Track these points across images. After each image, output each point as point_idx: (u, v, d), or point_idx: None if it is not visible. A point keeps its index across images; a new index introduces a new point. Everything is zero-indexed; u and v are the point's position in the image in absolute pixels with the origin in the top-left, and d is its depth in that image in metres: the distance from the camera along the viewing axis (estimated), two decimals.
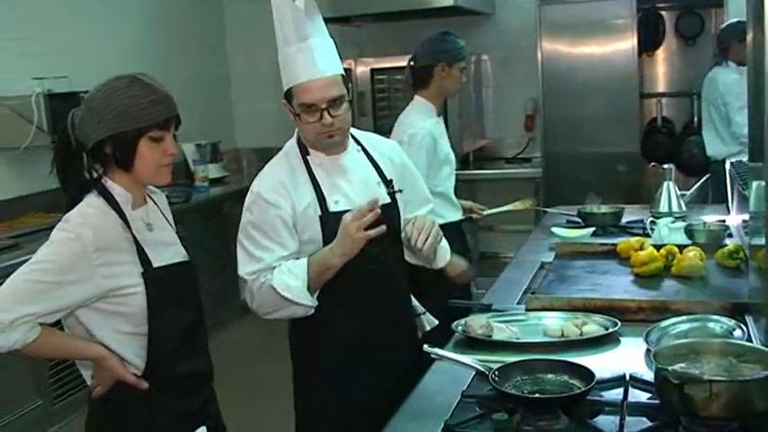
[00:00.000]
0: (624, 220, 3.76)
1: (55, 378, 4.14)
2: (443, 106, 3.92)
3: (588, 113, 5.64)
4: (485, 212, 3.94)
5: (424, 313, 2.68)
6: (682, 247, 2.94)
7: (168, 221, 2.29)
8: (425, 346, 2.13)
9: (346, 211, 2.35)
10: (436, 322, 2.68)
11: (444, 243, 2.63)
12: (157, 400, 2.11)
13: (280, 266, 2.35)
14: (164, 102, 2.05)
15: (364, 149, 2.55)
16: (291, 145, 2.51)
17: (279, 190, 2.40)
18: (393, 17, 6.27)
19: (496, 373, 1.95)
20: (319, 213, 2.39)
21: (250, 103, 6.83)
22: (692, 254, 2.84)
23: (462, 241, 3.68)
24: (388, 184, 2.52)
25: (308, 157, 2.44)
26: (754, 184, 2.12)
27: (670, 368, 1.75)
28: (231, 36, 7.06)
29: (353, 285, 2.38)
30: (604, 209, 3.78)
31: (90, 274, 1.98)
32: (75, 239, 1.98)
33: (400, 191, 2.52)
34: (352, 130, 2.55)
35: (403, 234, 2.51)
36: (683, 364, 1.84)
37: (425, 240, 2.41)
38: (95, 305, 2.04)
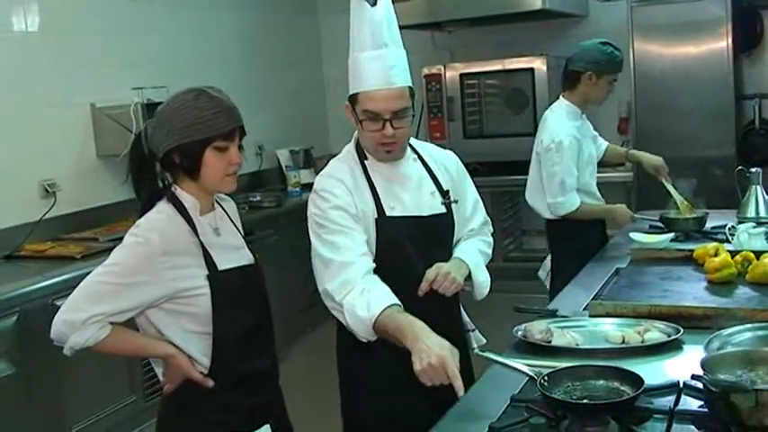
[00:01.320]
0: (710, 225, 3.68)
1: (149, 375, 4.32)
2: None
3: (682, 116, 5.51)
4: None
5: (474, 330, 2.64)
6: (760, 254, 2.87)
7: (236, 227, 2.38)
8: (476, 350, 2.16)
9: (402, 217, 2.40)
10: (484, 341, 2.63)
11: (483, 277, 2.55)
12: (222, 397, 2.21)
13: (364, 286, 2.26)
14: (228, 113, 2.15)
15: (421, 159, 2.56)
16: (350, 149, 2.53)
17: (341, 186, 2.41)
18: (484, 21, 6.28)
19: (546, 378, 1.97)
20: (375, 216, 2.40)
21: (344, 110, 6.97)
22: None
23: (603, 233, 3.95)
24: (443, 194, 2.53)
25: (366, 162, 2.46)
26: None
27: (717, 377, 1.74)
28: (326, 45, 7.19)
29: (405, 301, 2.24)
30: (688, 214, 3.71)
31: (157, 276, 2.10)
32: (143, 244, 2.10)
33: (455, 201, 2.54)
34: (411, 140, 2.58)
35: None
36: (736, 373, 1.82)
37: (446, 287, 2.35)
38: (164, 305, 2.15)
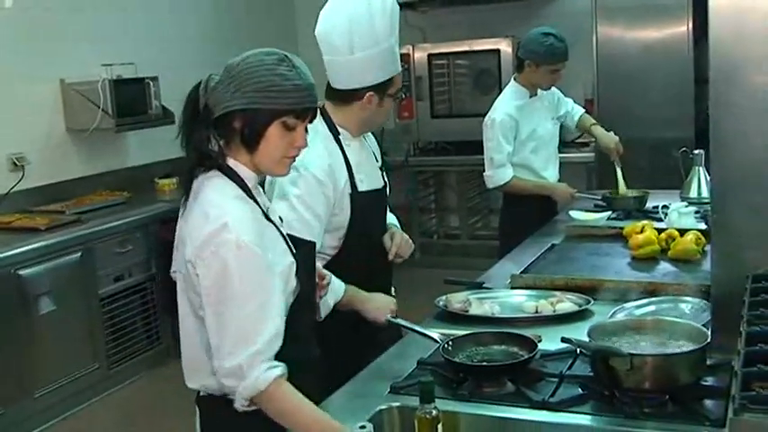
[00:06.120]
0: (655, 204, 3.79)
1: (112, 344, 4.46)
2: None
3: (643, 98, 5.62)
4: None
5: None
6: (684, 232, 2.99)
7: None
8: (388, 316, 2.29)
9: (369, 190, 2.53)
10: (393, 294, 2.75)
11: None
12: None
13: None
14: (308, 90, 1.90)
15: (364, 138, 2.65)
16: (317, 127, 2.43)
17: (328, 171, 2.45)
18: (456, 2, 6.40)
19: (450, 343, 2.10)
20: (349, 191, 2.49)
21: (320, 89, 7.04)
22: (690, 238, 2.89)
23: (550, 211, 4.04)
24: (381, 168, 2.68)
25: (340, 137, 2.53)
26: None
27: (598, 342, 1.87)
28: (301, 23, 7.27)
29: (374, 268, 2.55)
30: (630, 193, 3.84)
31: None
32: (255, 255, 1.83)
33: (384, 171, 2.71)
34: None
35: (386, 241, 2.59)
36: (620, 340, 1.95)
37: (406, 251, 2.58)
38: None
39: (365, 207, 2.53)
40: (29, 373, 4.00)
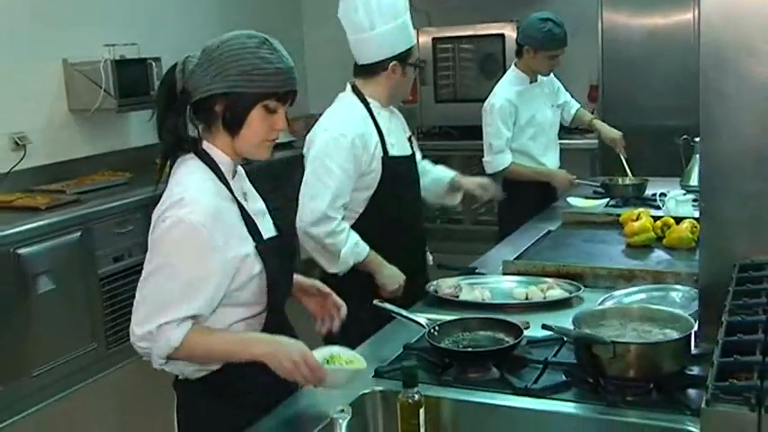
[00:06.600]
0: (655, 191, 3.77)
1: (111, 324, 4.47)
2: None
3: (647, 85, 5.59)
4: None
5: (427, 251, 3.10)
6: (680, 220, 2.98)
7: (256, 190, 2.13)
8: (376, 301, 2.29)
9: (399, 156, 2.82)
10: (432, 260, 3.10)
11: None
12: (254, 377, 1.91)
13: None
14: (288, 73, 1.89)
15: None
16: (348, 98, 2.84)
17: (359, 134, 2.72)
18: None
19: (436, 328, 2.10)
20: (381, 155, 2.76)
21: (324, 71, 7.02)
22: (685, 226, 2.88)
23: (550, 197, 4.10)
24: (409, 139, 2.98)
25: (371, 107, 2.81)
26: None
27: (580, 330, 1.87)
28: (307, 6, 7.25)
29: (399, 227, 2.84)
30: (628, 180, 3.82)
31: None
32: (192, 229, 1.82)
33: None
34: None
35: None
36: (604, 328, 1.94)
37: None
38: None
39: (395, 170, 2.80)
40: (26, 352, 4.01)
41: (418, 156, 3.03)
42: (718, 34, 1.93)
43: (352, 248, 2.68)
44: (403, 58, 2.78)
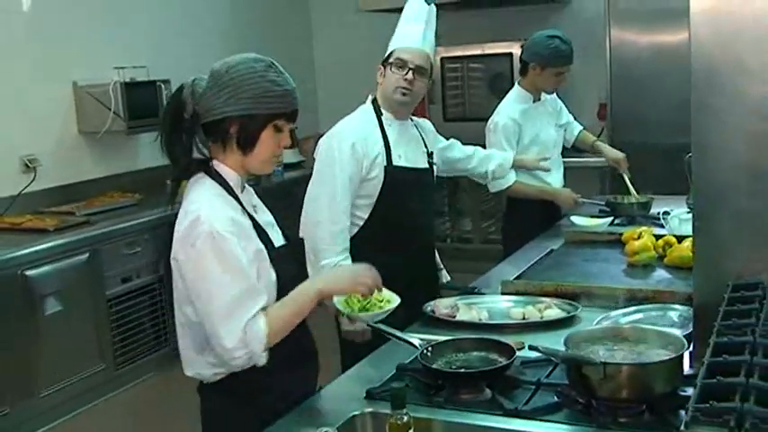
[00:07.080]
0: (661, 210, 3.75)
1: (120, 345, 4.48)
2: None
3: (657, 103, 5.56)
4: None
5: (442, 269, 3.20)
6: (683, 239, 2.96)
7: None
8: (371, 322, 2.28)
9: (407, 167, 2.95)
10: (449, 278, 3.19)
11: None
12: (280, 383, 2.05)
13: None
14: (293, 93, 2.04)
15: (416, 126, 3.14)
16: (365, 108, 3.03)
17: (359, 139, 2.88)
18: (471, 5, 6.36)
19: (429, 349, 2.09)
20: (385, 164, 2.89)
21: (334, 91, 7.05)
22: (686, 244, 2.86)
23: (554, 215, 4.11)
24: (429, 155, 3.10)
25: (382, 117, 2.98)
26: None
27: (572, 351, 1.85)
28: (317, 25, 7.29)
29: (401, 241, 2.92)
30: (633, 199, 3.80)
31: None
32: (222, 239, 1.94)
33: (436, 163, 3.14)
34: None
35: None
36: (596, 348, 1.92)
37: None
38: None
39: (398, 179, 2.92)
40: (35, 373, 4.02)
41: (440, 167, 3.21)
42: (709, 51, 1.94)
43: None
44: (386, 59, 2.96)
